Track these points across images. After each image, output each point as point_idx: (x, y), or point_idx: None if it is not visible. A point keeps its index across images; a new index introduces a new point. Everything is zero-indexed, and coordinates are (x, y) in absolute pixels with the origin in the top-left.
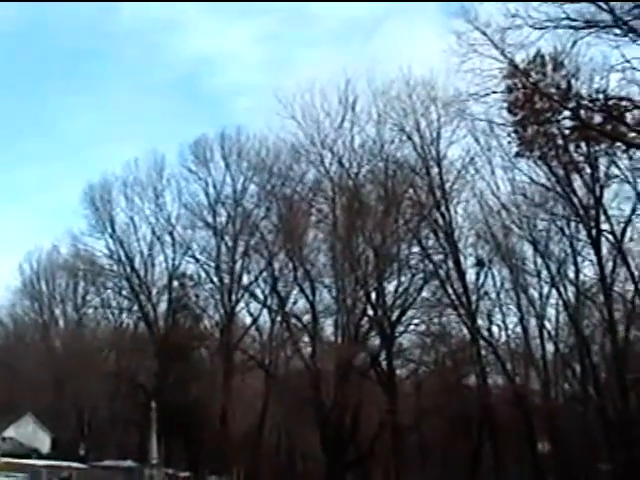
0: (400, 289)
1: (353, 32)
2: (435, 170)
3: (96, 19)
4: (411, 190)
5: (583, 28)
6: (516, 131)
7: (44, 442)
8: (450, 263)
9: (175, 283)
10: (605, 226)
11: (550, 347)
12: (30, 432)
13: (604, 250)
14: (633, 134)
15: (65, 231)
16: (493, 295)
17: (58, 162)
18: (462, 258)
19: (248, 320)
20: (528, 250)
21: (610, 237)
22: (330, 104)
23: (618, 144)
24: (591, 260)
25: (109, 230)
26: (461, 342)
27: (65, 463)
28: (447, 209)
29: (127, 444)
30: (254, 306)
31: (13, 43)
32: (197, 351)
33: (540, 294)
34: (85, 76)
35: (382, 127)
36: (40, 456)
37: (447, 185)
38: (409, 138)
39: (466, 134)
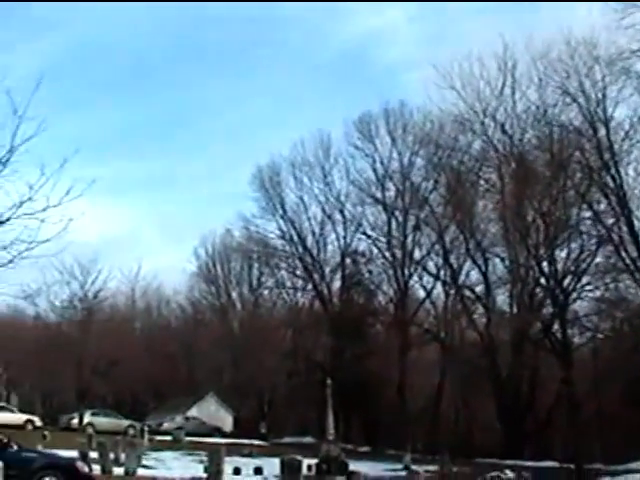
0: (572, 255)
1: None
2: (602, 131)
3: (257, 6)
4: (578, 153)
5: None
6: None
7: (226, 421)
8: (623, 227)
9: (348, 260)
10: None
11: None
12: (212, 411)
13: None
14: None
15: (237, 214)
16: None
17: (227, 147)
18: (636, 221)
19: (421, 294)
20: None
21: None
22: (489, 71)
23: None
24: None
25: (280, 211)
26: (638, 307)
27: (246, 441)
28: (617, 171)
29: (306, 421)
30: (427, 279)
31: (180, 34)
32: (372, 327)
33: None
34: (250, 63)
35: (544, 91)
36: (222, 435)
37: (615, 146)
38: (574, 100)
39: (632, 92)
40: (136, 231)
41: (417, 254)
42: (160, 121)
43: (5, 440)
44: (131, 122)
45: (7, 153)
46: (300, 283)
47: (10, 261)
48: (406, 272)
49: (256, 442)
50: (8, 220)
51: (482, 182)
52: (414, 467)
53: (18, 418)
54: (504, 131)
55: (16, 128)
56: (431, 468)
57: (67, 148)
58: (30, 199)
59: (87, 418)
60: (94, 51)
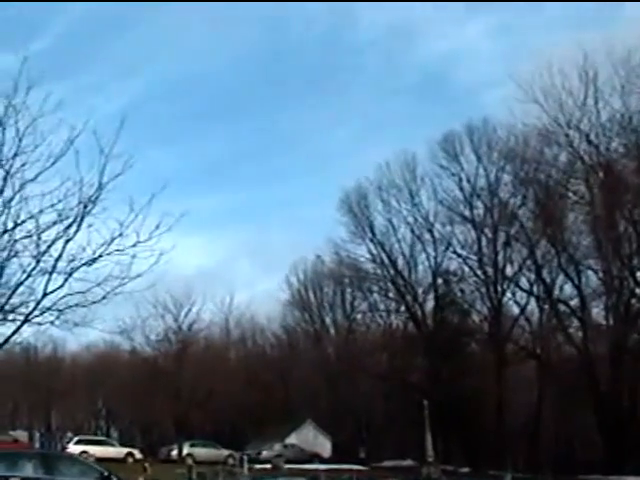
0: None
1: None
2: None
3: (334, 34)
4: None
5: None
6: None
7: (324, 447)
8: None
9: (439, 280)
10: None
11: None
12: (311, 438)
13: None
14: None
15: (327, 240)
16: None
17: (314, 174)
18: None
19: (515, 310)
20: None
21: None
22: (571, 82)
23: None
24: None
25: (369, 235)
26: None
27: (345, 466)
28: None
29: (405, 443)
30: (520, 295)
31: (261, 65)
32: (467, 346)
33: None
34: (332, 89)
35: (627, 98)
36: (321, 461)
37: None
38: None
39: None
40: (227, 262)
41: (509, 270)
42: (246, 152)
43: (106, 474)
44: (217, 154)
45: (96, 191)
46: (393, 305)
47: (104, 297)
48: (499, 289)
49: (355, 467)
50: (100, 257)
51: (571, 194)
52: None
53: (119, 452)
54: (589, 141)
55: (103, 166)
56: None
57: (155, 184)
58: (121, 235)
59: (186, 449)
60: (178, 87)
